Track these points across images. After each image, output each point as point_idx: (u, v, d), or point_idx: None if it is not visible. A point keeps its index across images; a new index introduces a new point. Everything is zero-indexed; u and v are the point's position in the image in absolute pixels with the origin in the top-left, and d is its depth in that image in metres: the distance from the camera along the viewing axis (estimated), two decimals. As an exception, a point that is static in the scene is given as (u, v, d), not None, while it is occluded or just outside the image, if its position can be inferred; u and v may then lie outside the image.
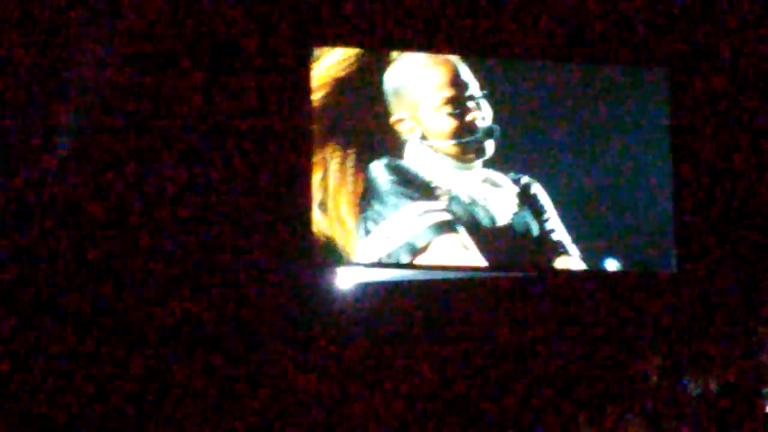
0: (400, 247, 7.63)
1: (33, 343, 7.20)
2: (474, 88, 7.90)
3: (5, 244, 7.15)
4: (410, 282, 7.84)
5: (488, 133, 7.85)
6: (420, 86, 7.90)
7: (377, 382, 7.76)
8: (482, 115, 7.87)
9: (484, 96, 7.88)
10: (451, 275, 7.87)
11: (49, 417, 7.16)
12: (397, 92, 7.87)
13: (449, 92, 7.90)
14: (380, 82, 7.85)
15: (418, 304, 7.87)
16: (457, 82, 7.91)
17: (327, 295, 7.71)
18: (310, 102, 7.69)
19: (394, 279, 7.81)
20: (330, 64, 7.79)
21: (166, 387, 7.43)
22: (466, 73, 7.92)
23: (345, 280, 7.74)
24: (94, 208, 7.33)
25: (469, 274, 7.88)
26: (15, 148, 7.08)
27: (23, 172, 7.12)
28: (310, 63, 7.73)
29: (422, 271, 7.76)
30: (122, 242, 7.38)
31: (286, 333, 7.63)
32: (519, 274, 8.02)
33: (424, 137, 7.82)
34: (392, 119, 7.82)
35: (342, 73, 7.79)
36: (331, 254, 7.61)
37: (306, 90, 7.67)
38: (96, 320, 7.34)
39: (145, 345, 7.39)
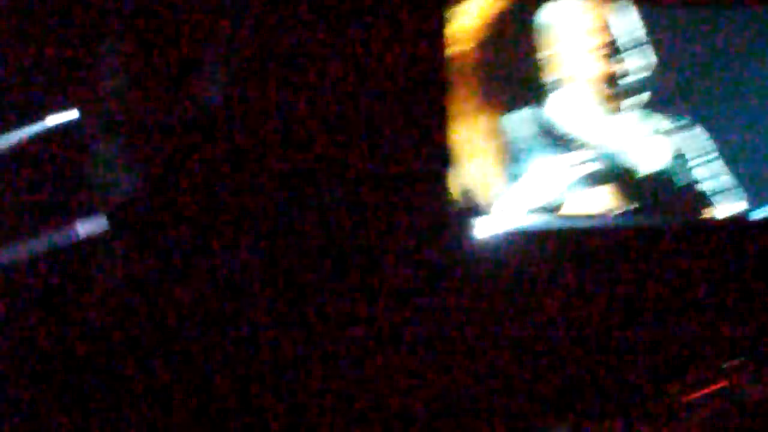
0: (542, 206, 7.38)
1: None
2: (633, 34, 7.49)
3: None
4: (552, 231, 7.57)
5: (642, 84, 7.47)
6: (576, 25, 7.51)
7: (516, 332, 7.62)
8: (638, 64, 7.48)
9: (644, 44, 7.47)
10: (595, 223, 7.58)
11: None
12: (548, 28, 7.50)
13: (606, 36, 7.49)
14: (530, 22, 7.48)
15: (561, 254, 7.62)
16: (615, 27, 7.50)
17: (467, 244, 7.53)
18: (444, 46, 7.37)
19: (536, 227, 7.54)
20: (475, 10, 7.45)
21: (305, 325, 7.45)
22: (628, 18, 7.51)
23: (485, 228, 7.53)
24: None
25: (617, 222, 7.57)
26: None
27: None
28: (445, 12, 7.40)
29: (565, 219, 7.50)
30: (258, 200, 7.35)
31: (424, 281, 7.51)
32: (670, 223, 7.70)
33: (570, 80, 7.44)
34: (537, 55, 7.46)
35: (487, 19, 7.46)
36: (471, 204, 7.38)
37: (442, 38, 7.39)
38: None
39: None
